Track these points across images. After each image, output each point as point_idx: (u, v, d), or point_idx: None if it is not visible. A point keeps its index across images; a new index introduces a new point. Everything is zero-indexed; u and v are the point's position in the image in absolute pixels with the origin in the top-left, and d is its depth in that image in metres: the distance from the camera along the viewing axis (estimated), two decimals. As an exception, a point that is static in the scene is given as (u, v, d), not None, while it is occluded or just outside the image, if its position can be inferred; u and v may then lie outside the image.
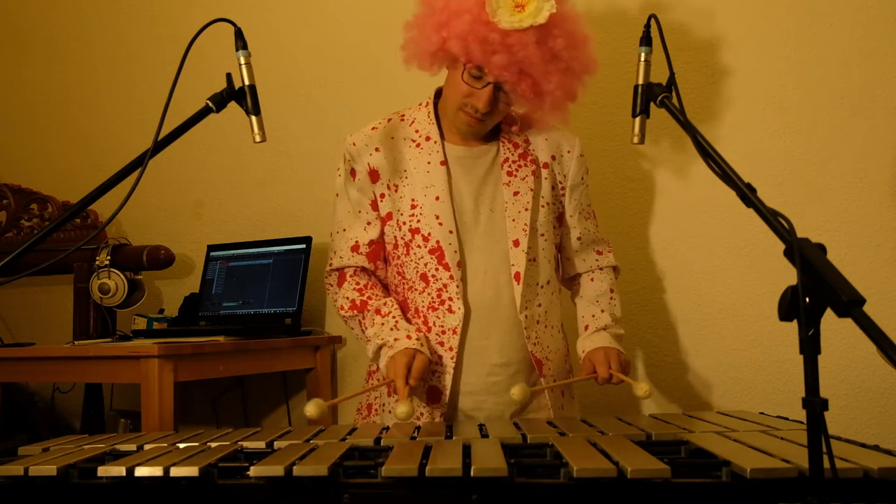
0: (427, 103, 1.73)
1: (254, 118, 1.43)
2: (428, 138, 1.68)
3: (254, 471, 1.05)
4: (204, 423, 2.58)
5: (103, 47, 2.96)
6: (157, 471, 1.07)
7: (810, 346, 0.86)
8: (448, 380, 1.60)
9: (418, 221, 1.63)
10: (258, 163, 2.64)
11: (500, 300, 1.63)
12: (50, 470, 1.10)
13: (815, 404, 0.86)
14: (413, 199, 1.64)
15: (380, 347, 1.59)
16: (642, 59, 1.42)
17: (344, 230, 1.72)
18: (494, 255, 1.63)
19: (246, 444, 1.26)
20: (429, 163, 1.65)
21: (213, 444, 1.27)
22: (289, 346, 2.34)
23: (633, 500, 1.00)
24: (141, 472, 1.07)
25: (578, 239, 1.76)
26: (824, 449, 0.86)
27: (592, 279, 1.79)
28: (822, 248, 0.91)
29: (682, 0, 2.15)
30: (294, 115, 2.62)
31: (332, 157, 2.53)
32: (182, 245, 2.74)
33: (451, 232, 1.62)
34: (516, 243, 1.63)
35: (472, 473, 1.00)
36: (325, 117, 2.59)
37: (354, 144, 1.69)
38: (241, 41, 1.44)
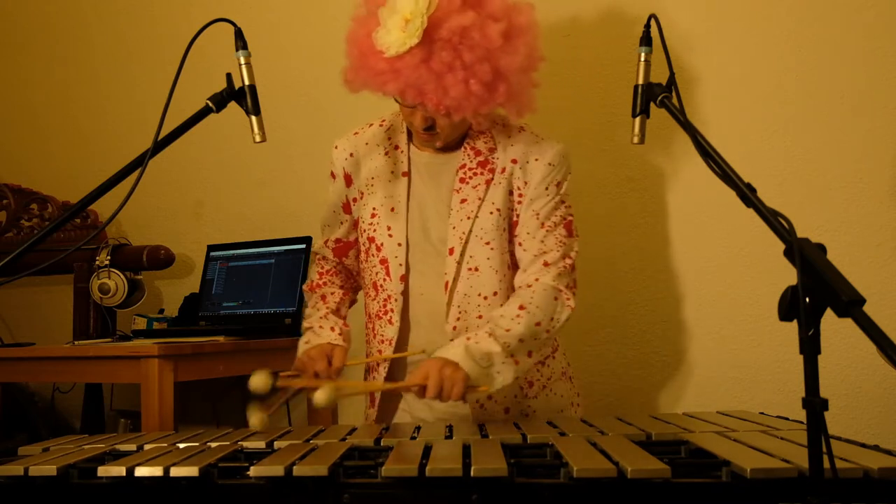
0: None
1: (254, 118, 1.43)
2: (397, 147, 1.68)
3: (254, 471, 1.05)
4: (204, 423, 2.58)
5: (103, 47, 2.96)
6: (157, 471, 1.07)
7: (810, 346, 0.86)
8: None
9: (374, 230, 1.65)
10: (258, 163, 2.64)
11: (439, 313, 1.59)
12: (50, 470, 1.10)
13: (815, 404, 0.86)
14: (374, 208, 1.65)
15: (307, 330, 1.67)
16: (642, 59, 1.42)
17: (327, 225, 1.79)
18: (443, 266, 1.60)
19: (246, 444, 1.26)
20: (392, 172, 1.65)
21: (213, 444, 1.27)
22: (288, 345, 2.33)
23: (633, 500, 1.00)
24: (141, 472, 1.07)
25: (520, 245, 1.60)
26: (824, 449, 0.86)
27: (514, 294, 1.58)
28: (822, 248, 0.91)
29: (682, 0, 2.15)
30: (294, 115, 2.62)
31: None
32: (182, 245, 2.74)
33: (399, 245, 1.62)
34: (451, 252, 1.59)
35: (472, 473, 1.00)
36: (325, 117, 2.59)
37: (336, 148, 1.73)
38: (241, 41, 1.44)
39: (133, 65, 2.89)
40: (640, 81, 1.41)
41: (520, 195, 1.61)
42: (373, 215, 1.65)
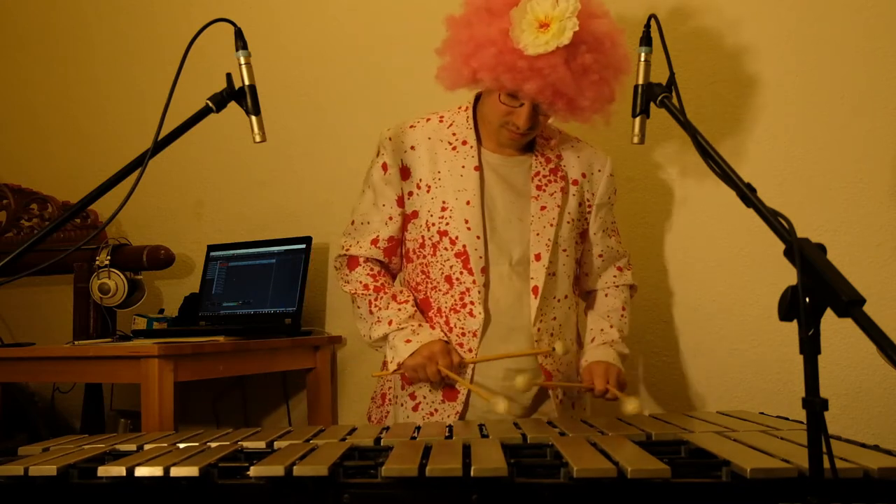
0: (466, 107, 1.73)
1: (254, 118, 1.43)
2: (464, 142, 1.69)
3: (254, 471, 1.05)
4: (204, 423, 2.58)
5: (103, 47, 2.96)
6: (157, 471, 1.07)
7: (810, 346, 0.86)
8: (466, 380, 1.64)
9: (447, 224, 1.65)
10: (258, 163, 2.64)
11: (519, 309, 1.65)
12: (50, 470, 1.10)
13: (815, 404, 0.86)
14: (444, 202, 1.66)
15: (397, 330, 1.64)
16: (642, 59, 1.42)
17: (368, 222, 1.73)
18: (518, 265, 1.65)
19: (246, 444, 1.26)
20: (463, 167, 1.67)
21: (213, 444, 1.27)
22: (289, 346, 2.34)
23: (633, 500, 1.00)
24: (141, 472, 1.07)
25: (600, 256, 1.78)
26: (824, 449, 0.86)
27: (607, 294, 1.80)
28: (822, 248, 0.91)
29: (681, 1, 2.15)
30: (294, 115, 2.62)
31: (332, 158, 2.55)
32: (182, 245, 2.75)
33: (478, 237, 1.63)
34: (538, 257, 1.65)
35: (472, 473, 1.00)
36: (325, 117, 2.59)
37: (391, 139, 1.70)
38: (241, 41, 1.44)
39: (133, 65, 2.89)
40: (640, 81, 1.42)
41: (589, 205, 1.75)
42: (443, 208, 1.65)
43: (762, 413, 1.53)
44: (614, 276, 1.80)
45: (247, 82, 1.44)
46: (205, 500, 1.08)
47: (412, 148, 1.69)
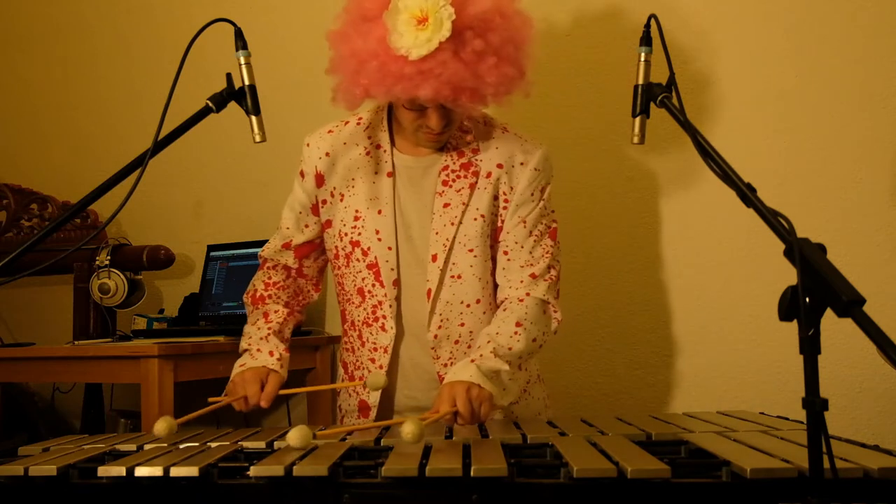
0: (382, 108, 1.64)
1: (254, 118, 1.43)
2: (378, 146, 1.61)
3: (254, 471, 1.05)
4: (204, 423, 2.58)
5: (104, 47, 2.96)
6: (157, 471, 1.07)
7: (810, 346, 0.86)
8: (376, 396, 1.59)
9: (359, 234, 1.58)
10: (258, 163, 2.64)
11: (423, 319, 1.57)
12: (50, 470, 1.10)
13: (815, 404, 0.86)
14: (357, 211, 1.58)
15: (244, 351, 1.59)
16: (642, 59, 1.42)
17: (287, 227, 1.70)
18: (423, 272, 1.56)
19: (246, 444, 1.26)
20: (376, 173, 1.59)
21: (213, 444, 1.27)
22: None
23: (633, 500, 1.00)
24: (141, 472, 1.07)
25: (505, 254, 1.58)
26: (824, 449, 0.86)
27: (505, 308, 1.54)
28: (822, 248, 0.91)
29: (681, 0, 2.15)
30: (294, 115, 2.62)
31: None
32: (182, 245, 2.74)
33: (389, 249, 1.56)
34: (434, 258, 1.55)
35: (472, 473, 1.00)
36: (324, 117, 2.58)
37: (308, 145, 1.66)
38: (241, 41, 1.44)
39: (133, 65, 2.89)
40: (640, 81, 1.41)
41: (505, 200, 1.58)
42: (356, 217, 1.58)
43: (762, 413, 1.53)
44: (521, 282, 1.55)
45: (247, 82, 1.44)
46: (205, 500, 1.07)
47: (326, 154, 1.62)
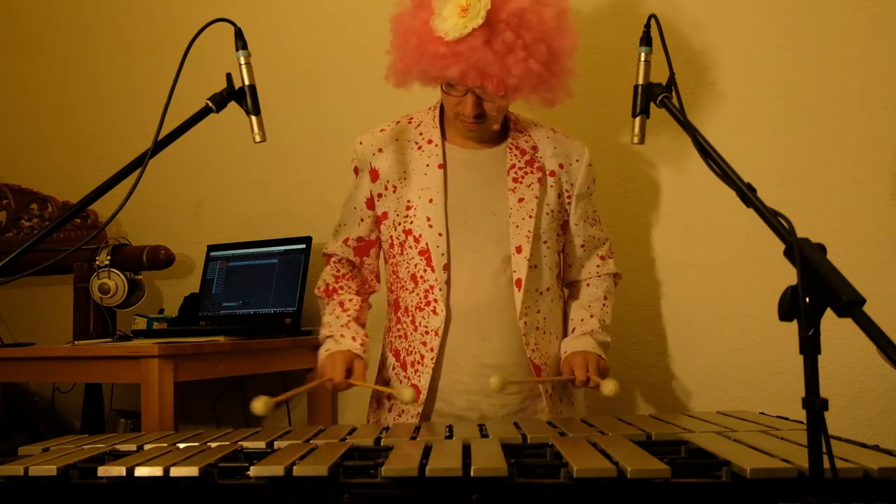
0: (434, 107, 1.76)
1: (254, 118, 1.43)
2: (430, 141, 1.71)
3: (254, 471, 1.05)
4: (204, 423, 2.58)
5: (104, 47, 2.96)
6: (157, 471, 1.07)
7: (810, 346, 0.86)
8: (426, 379, 1.64)
9: (411, 223, 1.67)
10: (258, 163, 2.64)
11: (497, 304, 1.64)
12: (50, 470, 1.10)
13: (815, 404, 0.86)
14: (409, 201, 1.68)
15: (327, 338, 1.68)
16: (642, 59, 1.42)
17: (345, 224, 1.79)
18: (494, 259, 1.65)
19: (246, 444, 1.26)
20: (427, 165, 1.69)
21: (213, 444, 1.27)
22: (289, 346, 2.34)
23: (633, 500, 1.00)
24: (141, 472, 1.07)
25: (581, 246, 1.78)
26: (824, 449, 0.86)
27: (589, 284, 1.80)
28: (822, 248, 0.91)
29: (681, 0, 2.15)
30: (294, 115, 2.62)
31: (333, 157, 2.55)
32: (182, 245, 2.74)
33: (440, 235, 1.64)
34: (519, 250, 1.65)
35: (472, 473, 1.00)
36: (325, 117, 2.59)
37: (361, 144, 1.75)
38: (241, 41, 1.44)
39: (133, 65, 2.89)
40: (640, 81, 1.42)
41: (568, 196, 1.74)
42: (408, 207, 1.67)
43: (762, 413, 1.53)
44: (597, 266, 1.80)
45: (247, 82, 1.44)
46: (205, 500, 1.08)
47: (380, 150, 1.72)
